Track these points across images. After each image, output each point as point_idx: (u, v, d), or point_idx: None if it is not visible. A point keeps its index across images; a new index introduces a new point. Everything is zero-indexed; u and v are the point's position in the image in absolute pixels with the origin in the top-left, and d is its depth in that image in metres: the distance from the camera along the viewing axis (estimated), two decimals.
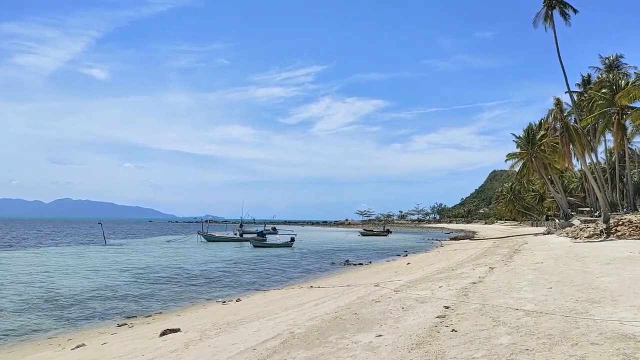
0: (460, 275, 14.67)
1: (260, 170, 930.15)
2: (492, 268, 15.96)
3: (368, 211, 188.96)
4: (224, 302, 14.94)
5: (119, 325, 12.03)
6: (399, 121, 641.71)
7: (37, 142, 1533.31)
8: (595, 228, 30.38)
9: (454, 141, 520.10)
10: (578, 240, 29.49)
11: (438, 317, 7.67)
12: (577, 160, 45.62)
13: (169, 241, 56.68)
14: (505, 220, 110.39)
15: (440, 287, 12.29)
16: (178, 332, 9.19)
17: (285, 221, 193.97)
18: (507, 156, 56.66)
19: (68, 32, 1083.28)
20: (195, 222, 75.94)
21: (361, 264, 29.98)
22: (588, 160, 42.18)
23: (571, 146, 37.30)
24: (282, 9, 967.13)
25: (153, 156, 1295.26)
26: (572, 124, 39.09)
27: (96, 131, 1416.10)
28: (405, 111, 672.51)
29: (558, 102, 38.56)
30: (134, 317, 13.42)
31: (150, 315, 13.50)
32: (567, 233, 34.32)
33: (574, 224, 38.95)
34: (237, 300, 14.92)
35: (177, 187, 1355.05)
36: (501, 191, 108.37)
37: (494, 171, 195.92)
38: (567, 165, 39.19)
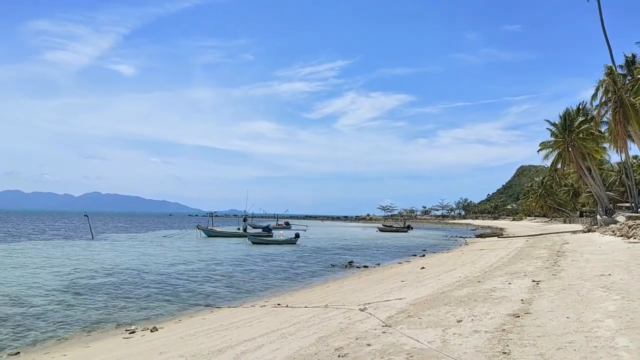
0: (491, 295, 9.90)
1: (284, 165, 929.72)
2: (537, 282, 11.53)
3: (390, 206, 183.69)
4: (132, 332, 10.01)
5: None
6: (424, 116, 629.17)
7: (68, 137, 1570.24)
8: None
9: (480, 136, 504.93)
10: (633, 239, 24.92)
11: None
12: (621, 149, 39.23)
13: (165, 236, 52.36)
14: (535, 216, 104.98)
15: (458, 322, 7.55)
16: None
17: (306, 216, 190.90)
18: (540, 145, 50.76)
19: (97, 28, 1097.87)
20: (216, 216, 72.57)
21: (366, 266, 25.06)
22: (631, 154, 35.91)
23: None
24: (306, 3, 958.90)
25: (179, 151, 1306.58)
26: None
27: (123, 126, 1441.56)
28: (430, 106, 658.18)
29: (611, 72, 31.76)
30: None
31: None
32: (614, 231, 30.34)
33: (618, 221, 34.29)
34: (152, 330, 9.96)
35: (203, 181, 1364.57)
36: (531, 186, 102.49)
37: (522, 166, 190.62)
38: (621, 148, 32.84)
